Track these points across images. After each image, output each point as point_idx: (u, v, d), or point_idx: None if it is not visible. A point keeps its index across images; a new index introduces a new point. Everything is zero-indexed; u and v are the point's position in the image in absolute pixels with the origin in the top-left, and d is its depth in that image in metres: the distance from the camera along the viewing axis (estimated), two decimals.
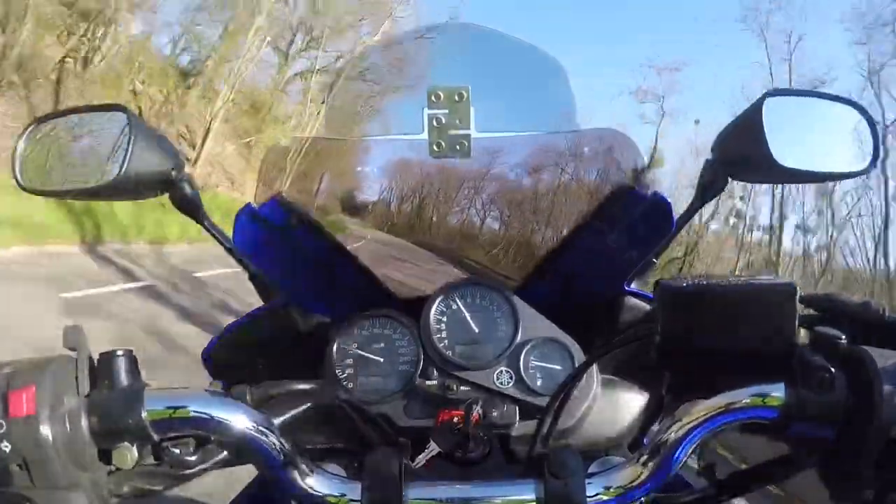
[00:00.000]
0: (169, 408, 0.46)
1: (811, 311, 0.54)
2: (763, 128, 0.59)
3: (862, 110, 0.65)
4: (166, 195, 0.68)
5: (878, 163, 0.63)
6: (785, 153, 0.60)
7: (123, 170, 0.60)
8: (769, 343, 0.45)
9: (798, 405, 0.44)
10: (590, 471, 0.48)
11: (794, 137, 0.62)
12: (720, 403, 0.45)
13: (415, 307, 0.79)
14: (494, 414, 0.69)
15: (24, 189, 0.66)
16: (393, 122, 0.96)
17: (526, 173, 1.02)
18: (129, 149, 0.60)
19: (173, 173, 0.66)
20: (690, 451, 0.46)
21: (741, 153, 0.64)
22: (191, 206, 0.69)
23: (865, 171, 0.63)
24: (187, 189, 0.67)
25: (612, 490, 0.46)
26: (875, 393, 0.41)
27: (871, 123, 0.64)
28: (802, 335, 0.48)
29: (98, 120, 0.68)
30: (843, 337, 0.45)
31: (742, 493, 0.55)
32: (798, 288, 0.45)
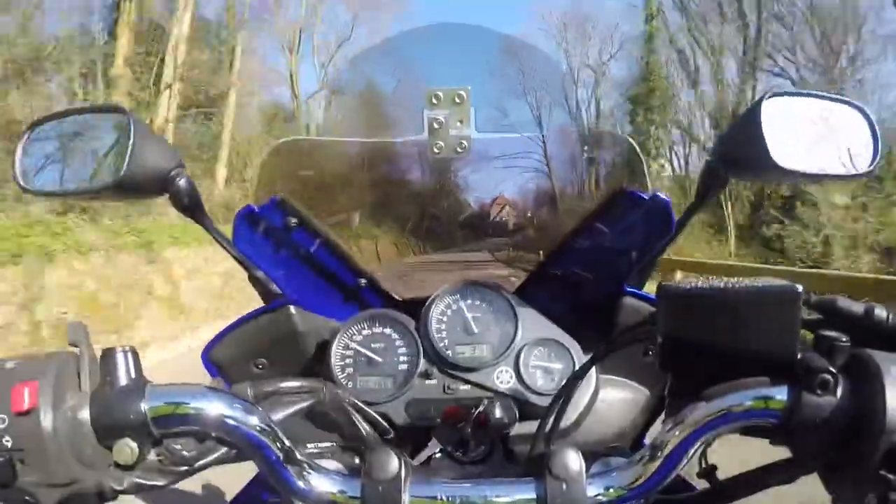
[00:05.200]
0: (170, 404, 0.46)
1: (815, 315, 0.54)
2: (762, 128, 0.59)
3: (862, 111, 0.65)
4: (166, 195, 0.68)
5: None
6: (784, 154, 0.60)
7: (123, 170, 0.60)
8: (772, 346, 0.45)
9: (800, 408, 0.43)
10: (591, 471, 0.48)
11: (793, 138, 0.62)
12: (722, 406, 0.45)
13: (415, 308, 0.79)
14: (495, 414, 0.69)
15: (25, 190, 0.66)
16: (393, 123, 0.97)
17: (525, 174, 1.02)
18: (129, 149, 0.60)
19: (173, 173, 0.66)
20: (692, 453, 0.46)
21: (741, 154, 0.64)
22: (191, 207, 0.69)
23: (865, 174, 0.63)
24: (188, 189, 0.68)
25: (612, 491, 0.46)
26: (878, 397, 0.41)
27: (871, 124, 0.64)
28: (806, 338, 0.47)
29: (98, 121, 0.68)
30: (847, 340, 0.45)
31: (743, 496, 0.54)
32: (802, 291, 0.45)
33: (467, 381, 0.74)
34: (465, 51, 0.88)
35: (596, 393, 0.75)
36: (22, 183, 0.66)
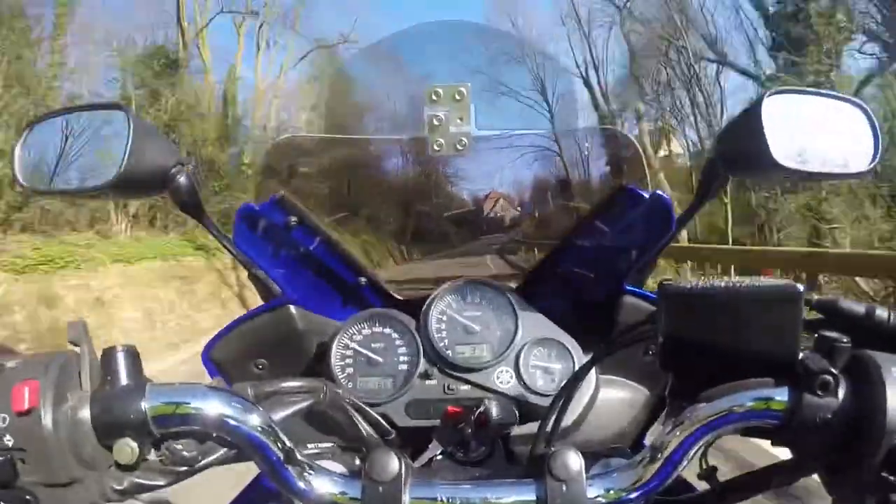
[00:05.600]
0: (170, 403, 0.46)
1: (816, 315, 0.54)
2: (763, 127, 0.59)
3: (862, 109, 0.65)
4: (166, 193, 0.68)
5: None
6: (785, 152, 0.60)
7: (123, 168, 0.60)
8: (773, 346, 0.45)
9: (801, 409, 0.43)
10: (591, 472, 0.48)
11: (794, 136, 0.62)
12: (722, 407, 0.45)
13: (415, 307, 0.79)
14: (495, 414, 0.69)
15: (25, 189, 0.66)
16: (392, 120, 0.96)
17: (526, 172, 1.02)
18: (129, 147, 0.60)
19: (173, 171, 0.66)
20: (692, 454, 0.46)
21: (741, 152, 0.64)
22: (191, 205, 0.69)
23: (866, 172, 0.63)
24: (188, 187, 0.67)
25: (612, 492, 0.46)
26: (879, 398, 0.41)
27: (872, 123, 0.64)
28: (807, 339, 0.47)
29: (97, 118, 0.68)
30: (848, 341, 0.45)
31: (744, 497, 0.54)
32: (803, 291, 0.45)
33: (467, 382, 0.74)
34: (463, 48, 0.87)
35: (596, 393, 0.75)
36: (22, 181, 0.66)
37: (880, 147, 0.62)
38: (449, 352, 0.75)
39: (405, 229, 1.11)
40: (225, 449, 0.51)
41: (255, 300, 0.82)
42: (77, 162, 0.71)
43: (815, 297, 0.54)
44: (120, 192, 0.65)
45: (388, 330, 0.77)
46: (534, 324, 0.77)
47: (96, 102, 0.69)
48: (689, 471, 0.49)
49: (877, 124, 0.63)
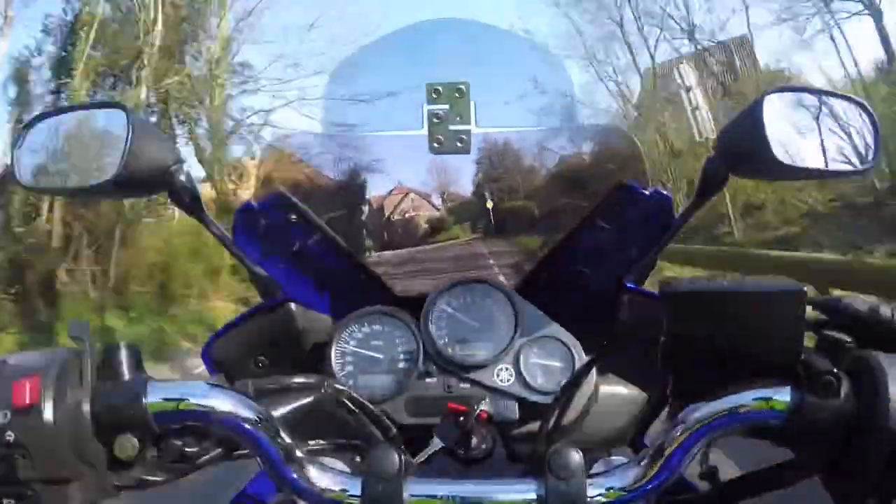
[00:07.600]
0: (171, 400, 0.46)
1: (819, 315, 0.54)
2: (764, 125, 0.59)
3: (863, 107, 0.65)
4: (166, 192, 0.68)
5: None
6: (786, 150, 0.60)
7: (122, 167, 0.60)
8: (775, 346, 0.45)
9: (803, 410, 0.43)
10: (592, 471, 0.48)
11: (795, 134, 0.62)
12: (724, 406, 0.45)
13: (415, 305, 0.79)
14: (496, 412, 0.69)
15: (24, 188, 0.66)
16: (392, 117, 0.96)
17: (526, 169, 1.02)
18: (128, 146, 0.60)
19: (173, 169, 0.66)
20: (693, 453, 0.46)
21: (742, 150, 0.64)
22: (191, 204, 0.68)
23: (866, 171, 0.63)
24: (187, 186, 0.67)
25: (613, 491, 0.46)
26: (882, 399, 0.41)
27: (873, 121, 0.64)
28: (810, 339, 0.47)
29: (97, 117, 0.68)
30: (851, 341, 0.45)
31: (745, 497, 0.54)
32: (806, 291, 0.45)
33: (468, 380, 0.74)
34: (464, 46, 0.87)
35: (597, 391, 0.74)
36: (21, 180, 0.66)
37: (880, 144, 0.63)
38: (449, 349, 0.75)
39: (404, 227, 1.10)
40: (225, 446, 0.51)
41: None
42: (77, 161, 0.71)
43: (819, 297, 0.54)
44: (120, 190, 0.65)
45: (387, 327, 0.77)
46: (534, 322, 0.77)
47: (96, 101, 0.69)
48: (690, 471, 0.49)
49: (877, 122, 0.63)
